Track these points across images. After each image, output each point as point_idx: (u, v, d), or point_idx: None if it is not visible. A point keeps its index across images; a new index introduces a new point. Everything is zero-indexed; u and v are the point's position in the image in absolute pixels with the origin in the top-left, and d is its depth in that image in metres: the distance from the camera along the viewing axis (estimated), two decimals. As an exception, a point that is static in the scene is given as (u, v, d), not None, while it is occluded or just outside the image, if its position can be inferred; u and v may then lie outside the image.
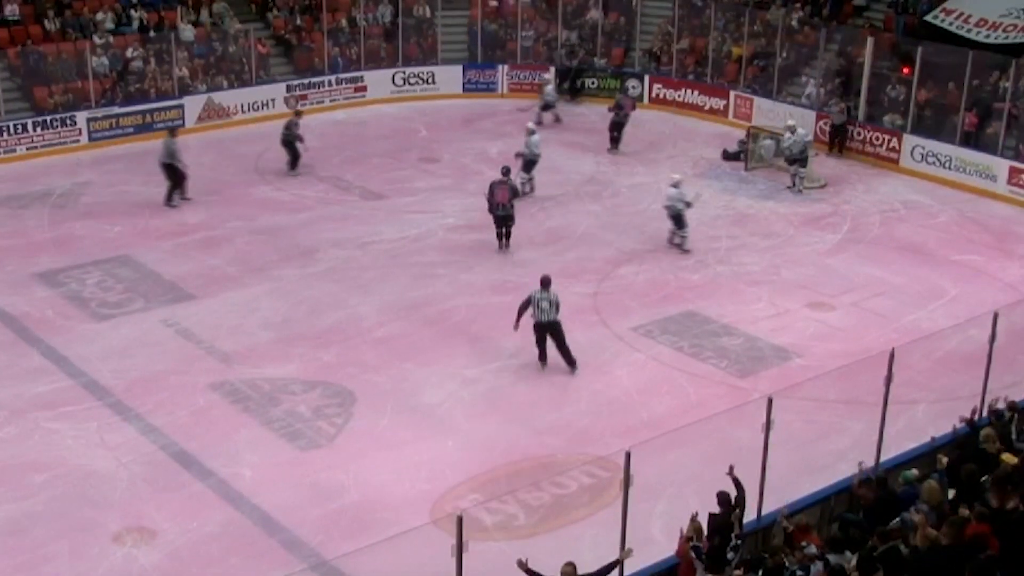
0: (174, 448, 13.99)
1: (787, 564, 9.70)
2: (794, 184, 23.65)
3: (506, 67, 30.23)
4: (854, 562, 9.41)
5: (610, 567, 10.09)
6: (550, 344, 15.99)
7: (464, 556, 8.89)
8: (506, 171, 20.42)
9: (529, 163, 22.64)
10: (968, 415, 12.71)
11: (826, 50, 27.46)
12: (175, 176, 21.98)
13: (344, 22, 30.13)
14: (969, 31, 25.95)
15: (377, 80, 29.39)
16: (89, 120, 25.46)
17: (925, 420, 14.27)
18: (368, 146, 24.63)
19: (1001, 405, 12.62)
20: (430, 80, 29.99)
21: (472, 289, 18.66)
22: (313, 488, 13.26)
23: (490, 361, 16.32)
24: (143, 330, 17.06)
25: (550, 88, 28.13)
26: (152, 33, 27.62)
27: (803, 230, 21.64)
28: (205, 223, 21.28)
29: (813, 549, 9.86)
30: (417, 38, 30.67)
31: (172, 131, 22.91)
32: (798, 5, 29.45)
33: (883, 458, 12.33)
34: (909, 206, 23.21)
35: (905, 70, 26.19)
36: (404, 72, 29.73)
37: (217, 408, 14.96)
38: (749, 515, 11.10)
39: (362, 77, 29.30)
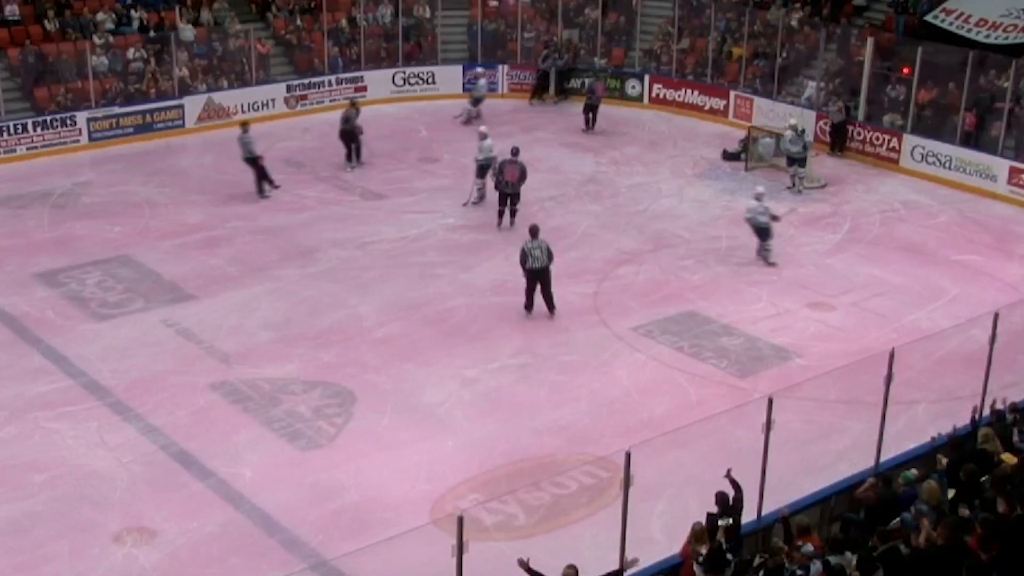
0: (174, 448, 14.00)
1: (787, 564, 9.69)
2: (794, 184, 23.63)
3: (506, 67, 30.23)
4: (854, 562, 9.41)
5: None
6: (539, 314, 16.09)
7: (464, 556, 8.89)
8: (515, 151, 20.86)
9: (482, 168, 22.00)
10: (968, 417, 12.70)
11: (826, 50, 27.45)
12: (259, 168, 22.50)
13: (344, 22, 30.12)
14: (969, 31, 25.94)
15: (377, 80, 29.37)
16: (89, 120, 25.45)
17: (925, 420, 14.25)
18: (368, 146, 24.65)
19: (1002, 406, 12.61)
20: (430, 80, 29.99)
21: (472, 289, 18.65)
22: (313, 488, 13.26)
23: (490, 361, 16.33)
24: (143, 330, 17.06)
25: (483, 82, 28.46)
26: (152, 33, 27.63)
27: (803, 230, 21.62)
28: (205, 223, 21.28)
29: (810, 548, 9.85)
30: (417, 38, 30.68)
31: (244, 125, 22.95)
32: (798, 5, 29.43)
33: (883, 458, 12.33)
34: (909, 206, 23.20)
35: (905, 70, 26.19)
36: (404, 72, 29.73)
37: (217, 408, 14.97)
38: (749, 515, 11.10)
39: (362, 77, 29.29)
